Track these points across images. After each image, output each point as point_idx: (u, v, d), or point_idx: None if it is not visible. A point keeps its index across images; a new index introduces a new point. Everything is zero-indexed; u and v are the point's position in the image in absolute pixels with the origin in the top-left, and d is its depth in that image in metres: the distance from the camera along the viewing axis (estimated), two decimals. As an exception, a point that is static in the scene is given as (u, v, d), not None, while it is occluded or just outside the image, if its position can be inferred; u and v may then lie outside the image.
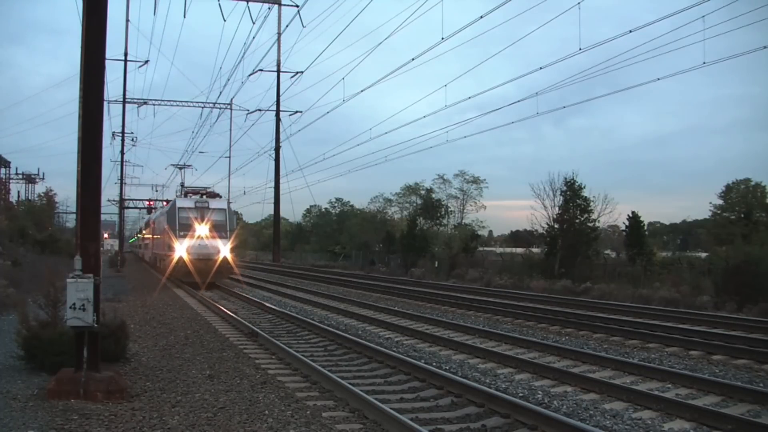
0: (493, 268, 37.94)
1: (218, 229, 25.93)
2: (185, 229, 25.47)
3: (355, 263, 54.39)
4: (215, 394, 7.85)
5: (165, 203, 54.94)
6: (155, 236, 36.78)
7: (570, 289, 26.94)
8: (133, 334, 11.32)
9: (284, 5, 24.84)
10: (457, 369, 10.08)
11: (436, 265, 41.76)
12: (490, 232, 71.88)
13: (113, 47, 56.35)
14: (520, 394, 8.35)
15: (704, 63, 14.94)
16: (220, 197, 27.93)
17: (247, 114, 35.18)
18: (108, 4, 8.02)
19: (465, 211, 57.62)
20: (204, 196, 27.51)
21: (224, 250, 25.63)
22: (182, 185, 34.19)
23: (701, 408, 7.46)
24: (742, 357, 11.28)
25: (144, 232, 55.00)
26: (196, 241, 25.23)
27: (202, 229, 25.37)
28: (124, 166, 43.88)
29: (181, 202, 26.86)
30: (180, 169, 37.27)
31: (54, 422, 6.47)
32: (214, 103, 33.50)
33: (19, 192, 65.23)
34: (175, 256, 25.10)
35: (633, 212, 35.58)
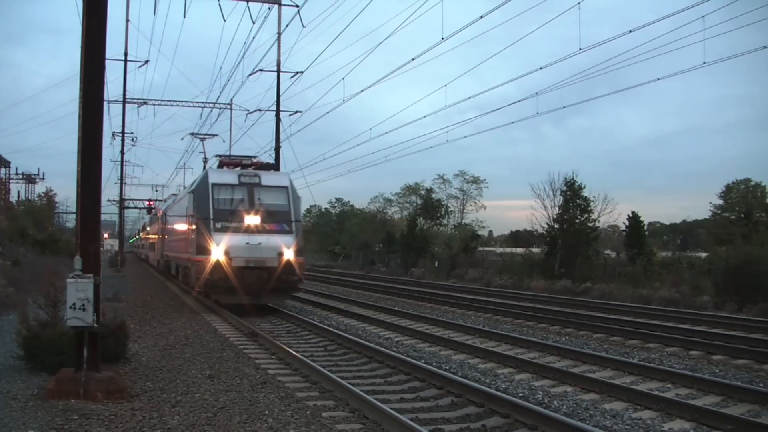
0: (493, 268, 37.97)
1: (277, 219, 16.81)
2: (225, 218, 16.44)
3: (355, 263, 54.43)
4: (215, 394, 7.85)
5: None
6: (169, 232, 26.43)
7: (570, 289, 26.95)
8: (133, 334, 11.32)
9: (284, 5, 24.72)
10: (457, 369, 10.07)
11: (436, 265, 41.79)
12: (490, 232, 71.95)
13: (113, 47, 56.39)
14: (520, 394, 8.35)
15: (704, 63, 14.90)
16: (277, 169, 18.67)
17: (247, 114, 34.94)
18: (108, 3, 8.02)
19: (465, 211, 57.71)
20: (252, 168, 18.18)
21: (288, 251, 16.45)
22: (205, 160, 25.33)
23: (701, 408, 7.46)
24: (742, 357, 11.28)
25: (148, 228, 47.59)
26: (243, 238, 16.23)
27: (251, 218, 16.41)
28: (124, 166, 43.74)
29: (217, 176, 17.39)
30: (202, 140, 27.47)
31: (54, 422, 6.47)
32: (214, 103, 33.34)
33: (19, 192, 65.18)
34: (209, 261, 16.06)
35: (633, 212, 35.67)
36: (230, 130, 37.91)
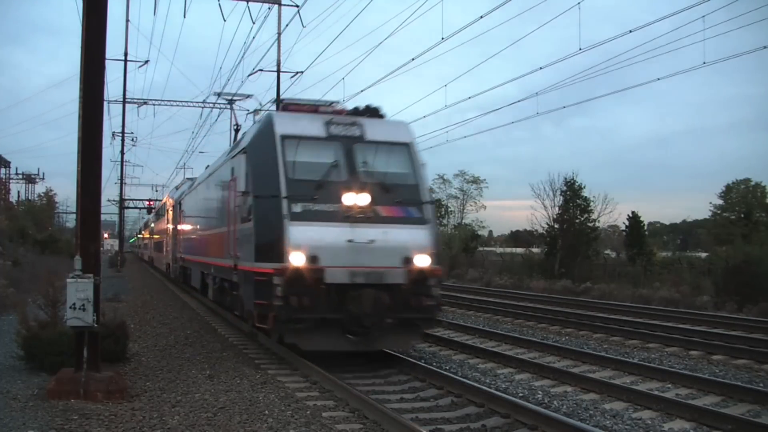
0: (493, 268, 38.00)
1: (399, 199, 10.00)
2: (307, 198, 9.57)
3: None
4: (215, 394, 7.85)
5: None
6: (191, 225, 19.19)
7: (570, 289, 26.96)
8: (133, 334, 11.32)
9: (284, 5, 24.68)
10: (457, 369, 10.07)
11: (436, 265, 41.66)
12: (490, 232, 71.89)
13: (113, 47, 56.45)
14: (520, 394, 8.35)
15: (704, 63, 14.91)
16: (382, 116, 11.21)
17: (247, 114, 34.90)
18: (108, 3, 8.02)
19: (465, 211, 57.75)
20: (346, 114, 11.05)
21: (420, 256, 9.81)
22: (236, 128, 18.21)
23: (701, 408, 7.47)
24: (742, 357, 11.28)
25: (153, 225, 41.89)
26: (343, 232, 9.48)
27: (355, 197, 9.63)
28: (124, 166, 43.74)
29: (290, 123, 10.38)
30: (229, 102, 20.23)
31: (54, 422, 6.47)
32: (214, 103, 33.28)
33: (19, 192, 65.28)
34: (282, 274, 9.06)
35: (633, 212, 35.77)
36: (230, 129, 37.75)
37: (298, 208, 9.38)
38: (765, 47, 13.26)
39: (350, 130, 10.26)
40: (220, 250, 13.06)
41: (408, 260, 9.60)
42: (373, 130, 10.41)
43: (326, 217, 9.42)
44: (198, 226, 17.48)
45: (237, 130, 18.07)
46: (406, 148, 10.55)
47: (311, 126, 10.18)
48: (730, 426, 6.87)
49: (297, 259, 9.10)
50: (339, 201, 9.48)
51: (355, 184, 9.62)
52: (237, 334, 13.08)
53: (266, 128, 10.29)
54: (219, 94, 21.37)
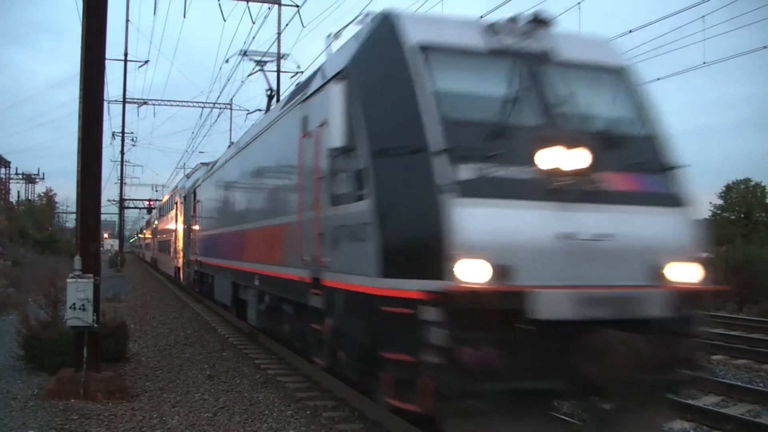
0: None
1: (634, 160, 5.47)
2: (476, 152, 4.95)
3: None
4: (215, 394, 7.85)
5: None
6: (219, 216, 14.28)
7: (570, 289, 26.93)
8: (133, 334, 11.31)
9: (284, 5, 24.66)
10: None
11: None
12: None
13: (113, 47, 56.40)
14: (520, 394, 8.33)
15: (704, 63, 14.93)
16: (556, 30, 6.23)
17: (247, 114, 34.61)
18: (108, 4, 8.03)
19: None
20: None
21: (683, 265, 5.27)
22: (270, 94, 15.61)
23: (701, 408, 7.47)
24: (742, 357, 11.29)
25: (156, 223, 39.57)
26: (548, 215, 4.89)
27: (557, 154, 5.09)
28: (124, 166, 43.75)
29: (431, 26, 5.82)
30: (258, 64, 17.15)
31: (54, 422, 6.47)
32: (214, 103, 33.21)
33: (19, 192, 65.26)
34: (449, 301, 4.51)
35: (633, 212, 35.70)
36: (230, 130, 37.72)
37: (467, 172, 4.99)
38: (765, 47, 13.27)
39: (530, 42, 5.97)
40: (274, 251, 8.76)
41: (658, 271, 5.29)
42: (567, 44, 6.16)
43: (517, 191, 5.06)
44: (228, 218, 12.97)
45: (271, 96, 14.71)
46: (622, 75, 6.25)
47: (464, 32, 5.91)
48: (730, 426, 6.87)
49: (474, 272, 4.74)
50: (532, 162, 5.19)
51: (558, 132, 5.35)
52: (237, 334, 13.07)
53: (386, 34, 5.88)
54: (245, 53, 16.69)
